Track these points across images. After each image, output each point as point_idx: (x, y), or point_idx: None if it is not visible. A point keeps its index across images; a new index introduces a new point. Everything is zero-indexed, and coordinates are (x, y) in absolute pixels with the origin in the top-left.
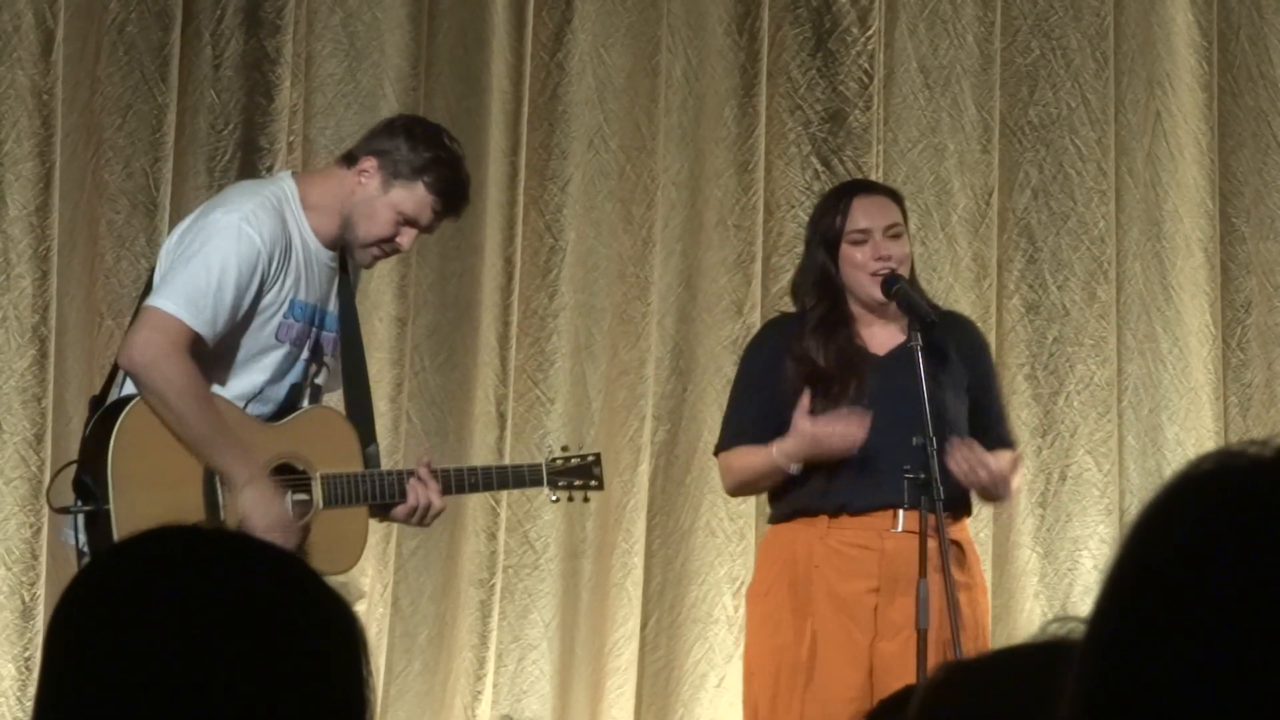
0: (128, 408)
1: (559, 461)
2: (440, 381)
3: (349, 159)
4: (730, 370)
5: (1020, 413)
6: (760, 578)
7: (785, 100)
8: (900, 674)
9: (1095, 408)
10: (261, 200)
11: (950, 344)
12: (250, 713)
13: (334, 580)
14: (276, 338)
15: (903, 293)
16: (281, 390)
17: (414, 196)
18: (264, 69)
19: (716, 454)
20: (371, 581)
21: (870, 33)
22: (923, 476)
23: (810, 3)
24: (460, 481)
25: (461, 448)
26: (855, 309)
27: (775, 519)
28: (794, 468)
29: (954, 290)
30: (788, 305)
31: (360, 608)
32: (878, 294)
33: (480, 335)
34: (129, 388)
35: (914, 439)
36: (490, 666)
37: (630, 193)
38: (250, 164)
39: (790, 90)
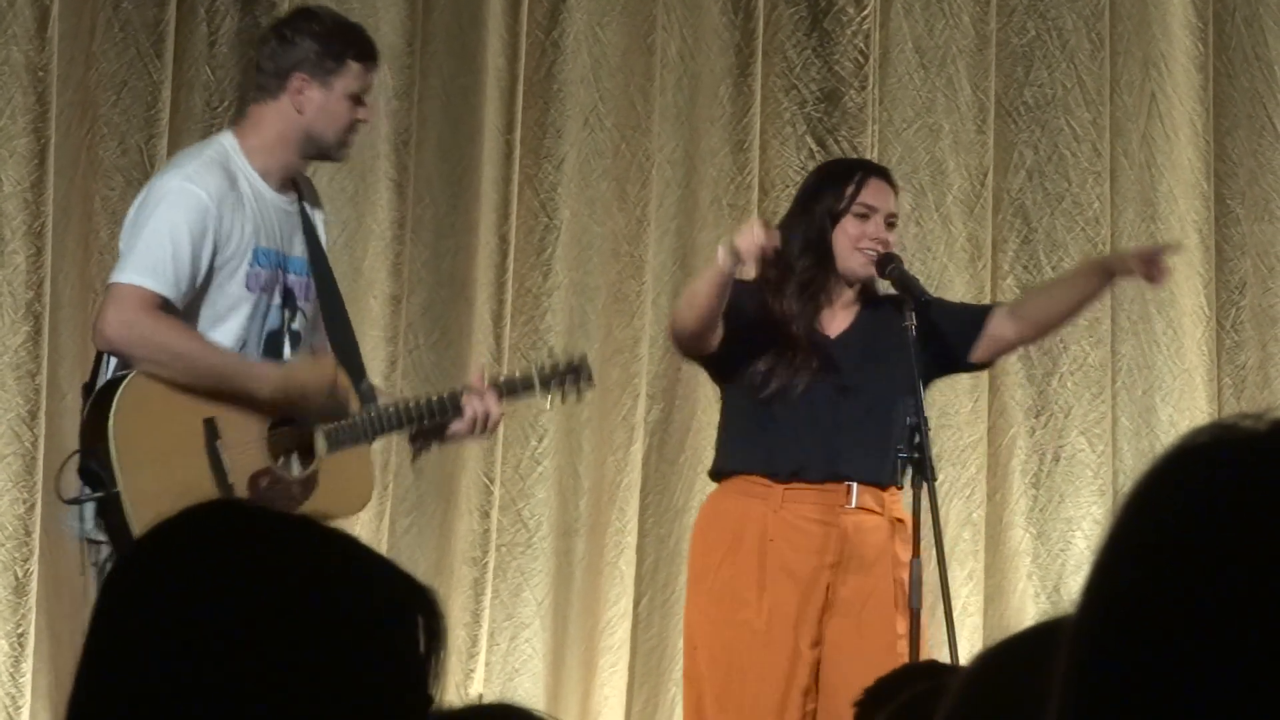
0: (120, 388)
1: (547, 368)
2: (434, 359)
3: (269, 90)
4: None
5: (1014, 393)
6: (709, 546)
7: (780, 80)
8: (849, 651)
9: (1089, 389)
10: (204, 158)
11: (890, 325)
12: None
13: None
14: (247, 287)
15: (898, 272)
16: (261, 339)
17: (352, 75)
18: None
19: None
20: None
21: (865, 12)
22: (916, 455)
23: None
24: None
25: None
26: (829, 281)
27: (721, 473)
28: (725, 259)
29: (948, 270)
30: None
31: None
32: (859, 270)
33: (474, 313)
34: (114, 368)
35: (906, 418)
36: (483, 645)
37: (625, 171)
38: None
39: (785, 70)
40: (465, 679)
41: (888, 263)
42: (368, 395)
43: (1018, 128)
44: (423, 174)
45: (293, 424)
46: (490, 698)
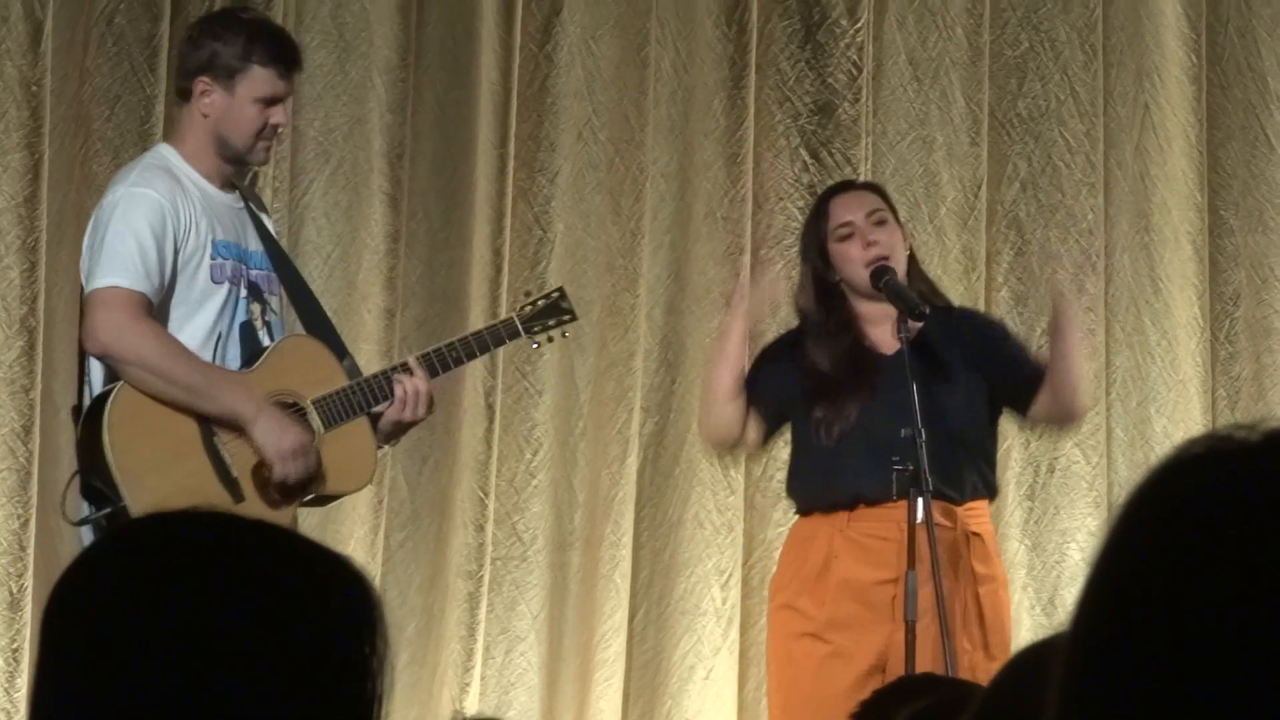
0: (108, 402)
1: (526, 308)
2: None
3: (182, 94)
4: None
5: None
6: (780, 570)
7: (774, 92)
8: (919, 662)
9: None
10: (143, 166)
11: (958, 339)
12: (257, 692)
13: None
14: (213, 279)
15: (891, 284)
16: (235, 332)
17: (257, 79)
18: None
19: None
20: None
21: (859, 25)
22: (910, 468)
23: None
24: (443, 359)
25: (449, 439)
26: (861, 308)
27: (798, 511)
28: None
29: (942, 282)
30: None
31: None
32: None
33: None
34: (97, 385)
35: (902, 430)
36: (478, 659)
37: (619, 185)
38: None
39: (779, 82)
40: (461, 693)
41: (881, 275)
42: (353, 369)
43: (1011, 139)
44: (416, 187)
45: (286, 407)
46: (486, 712)
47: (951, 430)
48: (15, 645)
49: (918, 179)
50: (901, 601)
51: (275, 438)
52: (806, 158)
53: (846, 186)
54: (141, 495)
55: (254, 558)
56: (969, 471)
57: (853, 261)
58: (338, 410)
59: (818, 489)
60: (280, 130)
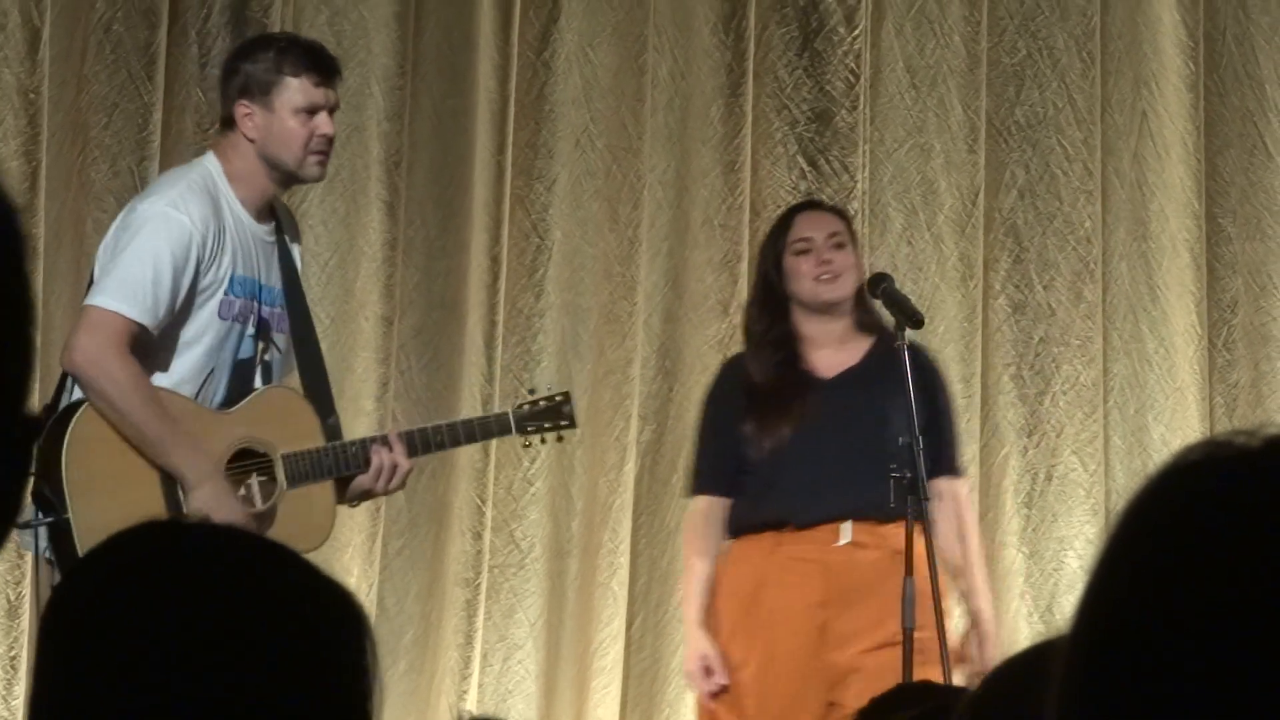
0: (78, 413)
1: (525, 407)
2: (426, 381)
3: (228, 123)
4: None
5: (1006, 413)
6: (713, 599)
7: (772, 100)
8: (857, 687)
9: (1081, 408)
10: (188, 183)
11: (900, 369)
12: (251, 703)
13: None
14: (219, 315)
15: (889, 291)
16: (230, 370)
17: (292, 90)
18: None
19: (689, 487)
20: (356, 581)
21: (857, 32)
22: (908, 475)
23: (797, 2)
24: (426, 440)
25: None
26: (806, 329)
27: (730, 534)
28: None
29: (940, 290)
30: None
31: None
32: (826, 294)
33: (466, 335)
34: (79, 392)
35: (899, 438)
36: (475, 666)
37: (616, 192)
38: None
39: (777, 90)
40: (459, 700)
41: (879, 281)
42: (334, 431)
43: (1009, 147)
44: (414, 195)
45: (254, 455)
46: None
47: (882, 452)
48: (13, 653)
49: (915, 186)
50: (827, 629)
51: (209, 509)
52: (804, 165)
53: (813, 205)
54: (86, 512)
55: (248, 569)
56: (900, 493)
57: (804, 277)
58: (306, 470)
59: (748, 509)
60: (329, 138)
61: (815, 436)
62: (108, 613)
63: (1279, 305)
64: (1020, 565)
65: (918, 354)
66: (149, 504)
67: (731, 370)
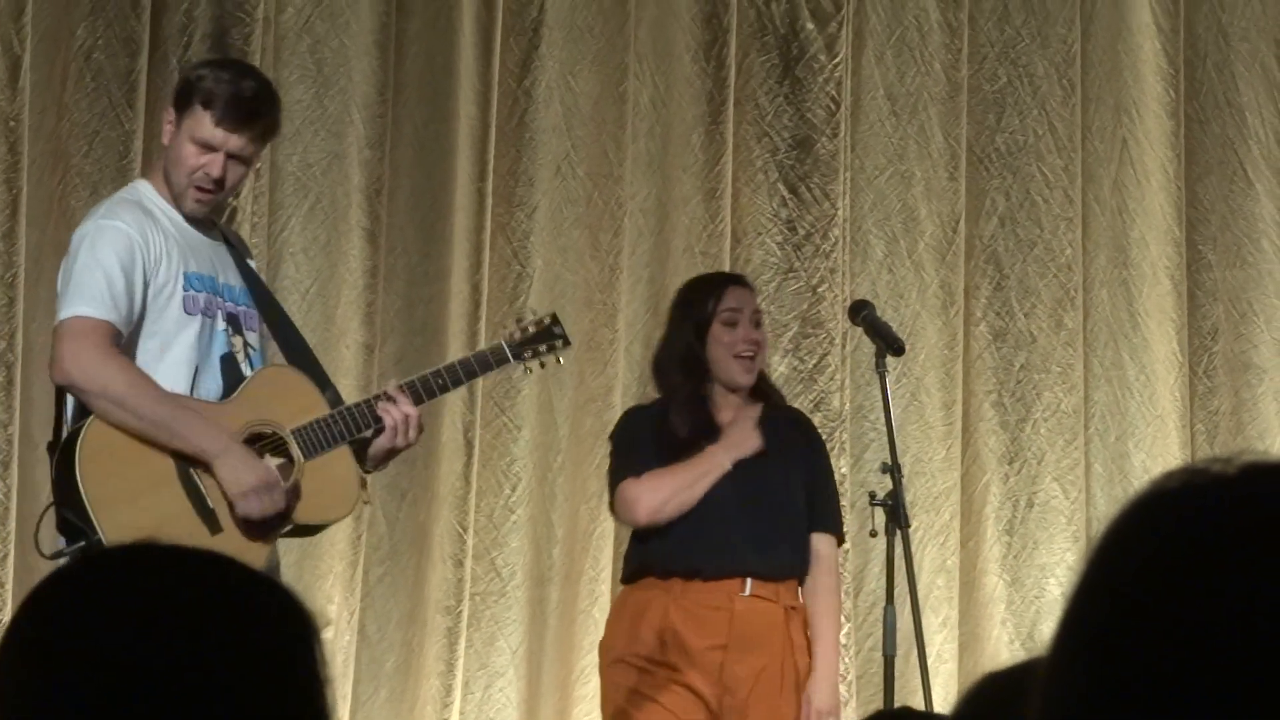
0: (80, 435)
1: (516, 334)
2: None
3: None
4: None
5: (987, 440)
6: (612, 635)
7: (752, 127)
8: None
9: (1062, 435)
10: (115, 200)
11: (790, 437)
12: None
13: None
14: (185, 311)
15: (870, 318)
16: (216, 365)
17: (197, 119)
18: None
19: (619, 483)
20: (338, 608)
21: (837, 60)
22: (890, 502)
23: (778, 30)
24: (428, 386)
25: (428, 474)
26: (715, 395)
27: (628, 578)
28: (729, 462)
29: (921, 317)
30: None
31: (327, 635)
32: (739, 377)
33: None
34: (71, 421)
35: (881, 464)
36: (457, 694)
37: (597, 219)
38: None
39: (758, 117)
40: None
41: (860, 309)
42: (335, 400)
43: (989, 174)
44: (395, 222)
45: (265, 437)
46: None
47: (782, 514)
48: None
49: (896, 214)
50: (724, 670)
51: (236, 475)
52: (785, 192)
53: (740, 281)
54: (115, 528)
55: (189, 589)
56: (788, 552)
57: (727, 346)
58: (318, 439)
59: (661, 555)
60: (213, 179)
61: (725, 494)
62: (57, 640)
63: (1260, 332)
64: (1001, 592)
65: (803, 421)
66: (172, 504)
67: (640, 419)
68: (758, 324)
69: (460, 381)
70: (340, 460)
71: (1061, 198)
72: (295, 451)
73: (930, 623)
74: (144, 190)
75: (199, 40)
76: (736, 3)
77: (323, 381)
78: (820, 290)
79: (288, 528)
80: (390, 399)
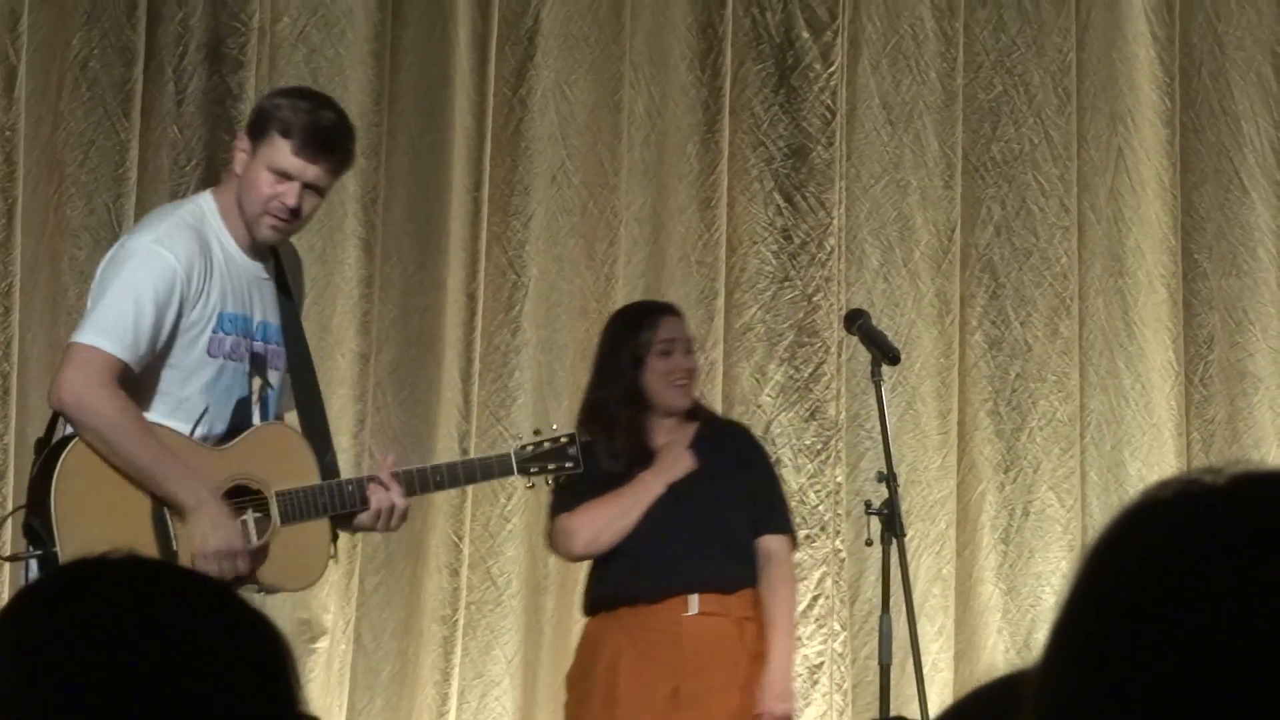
0: (69, 447)
1: (529, 448)
2: (403, 417)
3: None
4: None
5: (983, 449)
6: (574, 666)
7: (748, 136)
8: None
9: (1058, 444)
10: (176, 220)
11: (725, 450)
12: None
13: (299, 617)
14: (209, 353)
15: (866, 327)
16: (228, 408)
17: (275, 147)
18: (227, 105)
19: (554, 517)
20: (334, 618)
21: (833, 69)
22: (886, 511)
23: (773, 39)
24: (425, 480)
25: None
26: (650, 421)
27: (587, 611)
28: (661, 487)
29: (916, 326)
30: (751, 341)
31: (322, 644)
32: (677, 403)
33: (443, 371)
34: (67, 426)
35: (877, 473)
36: (453, 703)
37: (593, 228)
38: None
39: (753, 126)
40: None
41: (856, 318)
42: (330, 469)
43: (985, 183)
44: (391, 232)
45: (249, 493)
46: None
47: (721, 527)
48: None
49: (891, 222)
50: (680, 692)
51: (204, 534)
52: (780, 201)
53: (672, 310)
54: (74, 547)
55: (166, 603)
56: (737, 565)
57: (662, 375)
58: (300, 508)
59: (603, 586)
60: (289, 209)
61: (660, 516)
62: (27, 652)
63: (1255, 341)
64: (997, 601)
65: (739, 432)
66: (138, 537)
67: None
68: (689, 351)
69: (458, 483)
70: (316, 531)
71: (1057, 206)
72: (274, 512)
73: (926, 631)
74: (208, 211)
75: (194, 50)
76: (731, 12)
77: (322, 446)
78: (815, 299)
79: (247, 586)
80: (383, 485)
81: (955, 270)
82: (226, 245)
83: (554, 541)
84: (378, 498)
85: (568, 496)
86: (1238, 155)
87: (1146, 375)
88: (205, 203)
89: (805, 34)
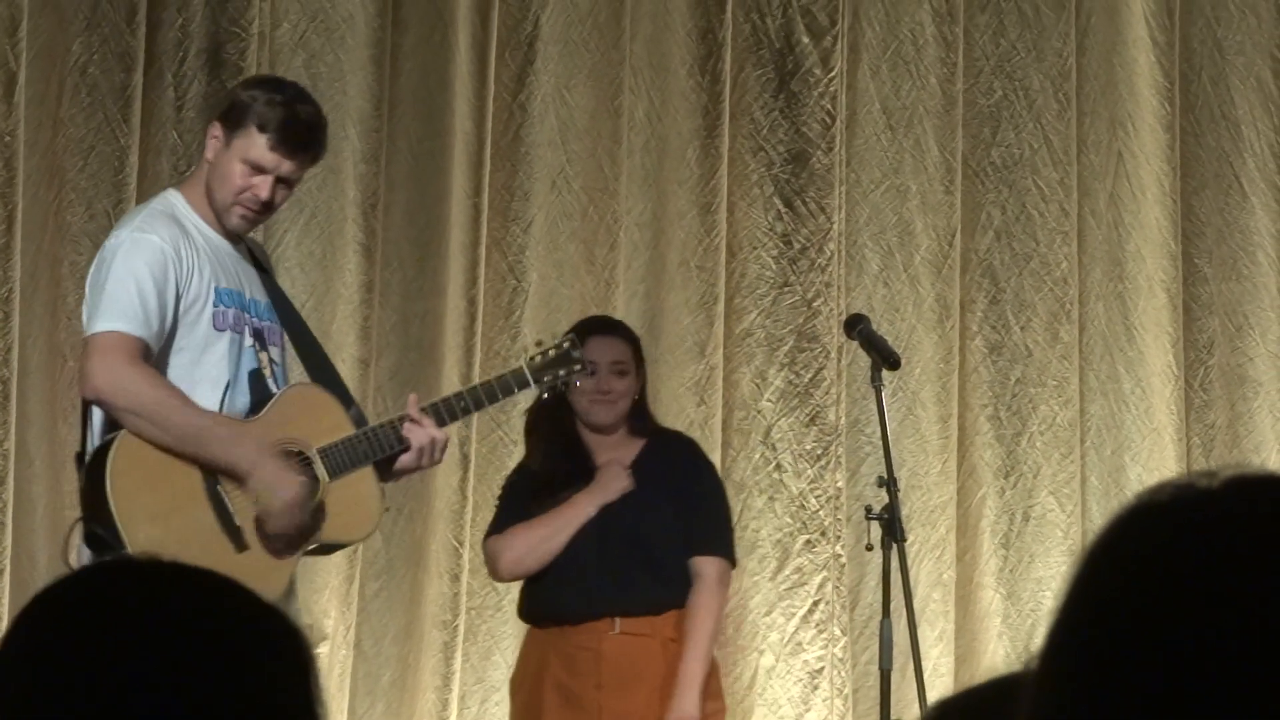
0: (111, 449)
1: (537, 358)
2: None
3: (205, 137)
4: (693, 412)
5: (983, 454)
6: (516, 672)
7: (748, 141)
8: None
9: (1058, 449)
10: (149, 211)
11: (665, 469)
12: None
13: (299, 620)
14: (215, 327)
15: (866, 332)
16: (244, 381)
17: (250, 140)
18: None
19: (484, 539)
20: (334, 623)
21: (833, 74)
22: (886, 516)
23: (773, 44)
24: (451, 409)
25: (424, 488)
26: (585, 435)
27: (523, 619)
28: (593, 509)
29: (916, 331)
30: (751, 346)
31: (323, 649)
32: (600, 418)
33: (443, 377)
34: (99, 432)
35: (877, 478)
36: (453, 709)
37: (593, 234)
38: None
39: (753, 131)
40: None
41: (856, 323)
42: (359, 419)
43: (985, 188)
44: (390, 237)
45: (293, 455)
46: None
47: (651, 549)
48: None
49: (891, 227)
50: (603, 710)
51: (267, 489)
52: (780, 206)
53: (606, 330)
54: (142, 543)
55: (190, 604)
56: (665, 587)
57: (583, 394)
58: (343, 459)
59: (535, 602)
60: (261, 201)
61: (590, 538)
62: (53, 652)
63: (1255, 346)
64: (998, 606)
65: (684, 447)
66: (200, 521)
67: (520, 476)
68: (621, 373)
69: (482, 404)
70: (363, 480)
71: (1057, 211)
72: (320, 471)
73: (926, 636)
74: (176, 202)
75: (194, 55)
76: (732, 17)
77: (347, 399)
78: (816, 304)
79: (313, 545)
80: (415, 421)
81: (955, 275)
82: (201, 228)
83: (485, 561)
84: (416, 435)
85: (498, 517)
86: (1238, 160)
87: (1147, 380)
88: (172, 196)
89: (805, 39)
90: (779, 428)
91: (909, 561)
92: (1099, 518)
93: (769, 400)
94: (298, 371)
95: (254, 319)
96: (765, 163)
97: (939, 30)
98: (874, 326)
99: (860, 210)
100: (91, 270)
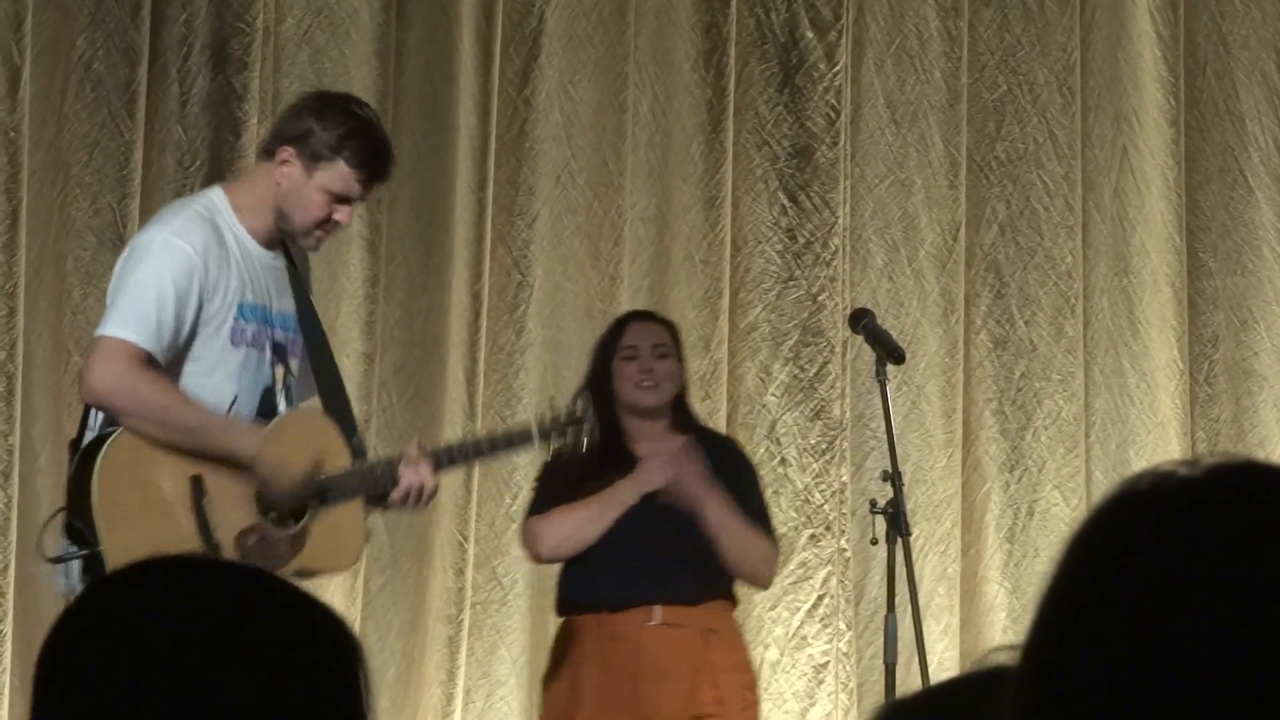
0: (105, 445)
1: (548, 418)
2: (408, 418)
3: (267, 153)
4: (698, 406)
5: (988, 448)
6: (549, 666)
7: (752, 136)
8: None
9: (1063, 443)
10: (190, 213)
11: (710, 461)
12: None
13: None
14: (232, 342)
15: (870, 327)
16: (255, 397)
17: (337, 174)
18: (231, 106)
19: (525, 519)
20: None
21: (837, 68)
22: (891, 510)
23: (777, 39)
24: (451, 456)
25: None
26: (628, 425)
27: (558, 612)
28: (632, 498)
29: (921, 326)
30: (756, 341)
31: None
32: (643, 400)
33: (447, 372)
34: (97, 425)
35: (882, 472)
36: (458, 703)
37: (598, 229)
38: None
39: (757, 126)
40: None
41: (861, 317)
42: (359, 450)
43: (990, 182)
44: (395, 233)
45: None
46: None
47: (693, 538)
48: None
49: (896, 222)
50: (640, 700)
51: (276, 473)
52: (785, 201)
53: (644, 316)
54: (118, 543)
55: (244, 599)
56: (705, 577)
57: (627, 380)
58: (335, 491)
59: (574, 590)
60: (340, 228)
61: (631, 526)
62: (109, 642)
63: (1260, 340)
64: (1003, 600)
65: (726, 445)
66: (181, 530)
67: (562, 460)
68: (663, 355)
69: (483, 456)
70: (350, 513)
71: (1062, 205)
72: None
73: (931, 630)
74: (220, 205)
75: (199, 51)
76: (736, 11)
77: (349, 428)
78: (820, 299)
79: (290, 570)
80: (413, 464)
81: (960, 269)
82: (240, 237)
83: (523, 542)
84: (406, 476)
85: (542, 498)
86: (1242, 154)
87: (1151, 374)
88: (216, 197)
89: (810, 34)
90: (784, 422)
91: (914, 556)
92: None
93: (774, 395)
94: (311, 382)
95: (277, 330)
96: (770, 157)
97: (943, 25)
98: (879, 321)
99: (865, 205)
100: (122, 257)
